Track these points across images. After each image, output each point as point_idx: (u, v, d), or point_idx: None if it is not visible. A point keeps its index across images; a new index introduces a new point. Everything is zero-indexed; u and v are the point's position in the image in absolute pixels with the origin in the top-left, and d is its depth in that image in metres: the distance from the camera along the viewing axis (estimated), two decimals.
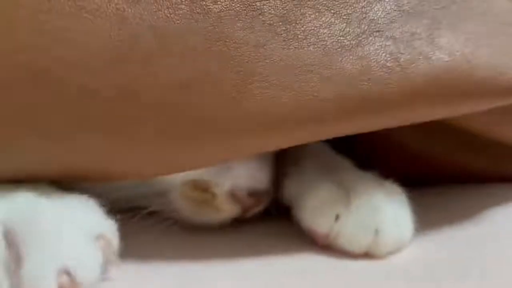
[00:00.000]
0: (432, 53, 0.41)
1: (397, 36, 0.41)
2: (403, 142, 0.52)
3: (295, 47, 0.39)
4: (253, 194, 0.45)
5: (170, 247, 0.45)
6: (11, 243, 0.34)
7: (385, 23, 0.41)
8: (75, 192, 0.39)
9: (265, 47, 0.38)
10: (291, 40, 0.39)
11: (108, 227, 0.38)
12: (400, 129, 0.43)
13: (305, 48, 0.39)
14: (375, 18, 0.41)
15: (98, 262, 0.36)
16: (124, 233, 0.39)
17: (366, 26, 0.41)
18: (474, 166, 0.56)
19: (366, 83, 0.40)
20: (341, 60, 0.40)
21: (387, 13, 0.42)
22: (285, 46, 0.39)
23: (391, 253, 0.44)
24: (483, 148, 0.54)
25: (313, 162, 0.49)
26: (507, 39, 0.45)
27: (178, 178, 0.45)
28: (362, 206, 0.44)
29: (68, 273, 0.33)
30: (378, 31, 0.41)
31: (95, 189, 0.40)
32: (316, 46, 0.39)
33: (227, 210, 0.46)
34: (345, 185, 0.45)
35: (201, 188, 0.45)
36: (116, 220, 0.39)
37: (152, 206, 0.46)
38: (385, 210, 0.44)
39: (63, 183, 0.40)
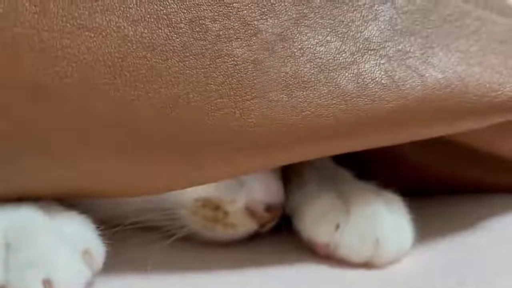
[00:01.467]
0: (425, 71, 0.42)
1: (391, 55, 0.42)
2: (402, 154, 0.53)
3: (292, 64, 0.39)
4: (269, 208, 0.46)
5: (174, 260, 0.45)
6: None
7: (379, 42, 0.42)
8: (72, 208, 0.40)
9: (262, 64, 0.39)
10: (288, 58, 0.40)
11: (95, 242, 0.39)
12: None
13: (302, 65, 0.40)
14: (370, 36, 0.42)
15: (83, 275, 0.37)
16: (128, 246, 0.41)
17: (361, 45, 0.42)
18: (470, 177, 0.57)
19: (362, 100, 0.40)
20: (337, 77, 0.40)
21: (381, 32, 0.42)
22: (282, 64, 0.39)
23: (391, 262, 0.44)
24: (478, 160, 0.54)
25: (313, 173, 0.49)
26: (498, 57, 0.46)
27: (189, 194, 0.45)
28: (362, 216, 0.44)
29: (50, 284, 0.34)
30: (373, 49, 0.42)
31: (100, 203, 0.42)
32: (312, 63, 0.40)
33: (244, 226, 0.46)
34: (345, 196, 0.46)
35: (213, 206, 0.45)
36: (112, 234, 0.40)
37: (160, 221, 0.46)
38: (384, 219, 0.44)
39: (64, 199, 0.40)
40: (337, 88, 0.40)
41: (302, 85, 0.39)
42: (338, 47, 0.41)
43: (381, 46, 0.42)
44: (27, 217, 0.37)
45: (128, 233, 0.45)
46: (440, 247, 0.47)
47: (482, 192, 0.57)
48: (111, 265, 0.40)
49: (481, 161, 0.55)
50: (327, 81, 0.40)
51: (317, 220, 0.45)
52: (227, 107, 0.38)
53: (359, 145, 0.42)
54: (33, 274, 0.34)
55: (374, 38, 0.42)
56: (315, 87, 0.40)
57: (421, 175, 0.54)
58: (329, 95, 0.40)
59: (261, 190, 0.45)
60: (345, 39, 0.41)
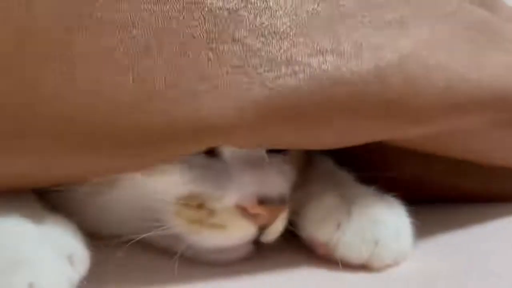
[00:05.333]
0: (400, 40, 0.42)
1: (366, 22, 0.42)
2: (401, 167, 0.52)
3: (268, 16, 0.40)
4: (263, 201, 0.41)
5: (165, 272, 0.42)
6: None
7: (355, 10, 0.42)
8: (56, 214, 0.39)
9: (238, 12, 0.39)
10: (264, 9, 0.40)
11: (80, 248, 0.38)
12: (397, 154, 0.45)
13: (278, 19, 0.40)
14: (346, 4, 0.42)
15: (67, 281, 0.36)
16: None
17: (337, 11, 0.42)
18: (467, 187, 0.56)
19: (338, 57, 0.40)
20: (313, 34, 0.40)
21: (358, 2, 0.43)
22: (258, 14, 0.39)
23: (390, 265, 0.43)
24: (472, 171, 0.54)
25: (316, 175, 0.49)
26: (468, 44, 0.46)
27: (170, 193, 0.42)
28: (363, 217, 0.43)
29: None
30: (349, 15, 0.42)
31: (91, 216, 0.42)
32: (289, 18, 0.40)
33: (237, 228, 0.41)
34: (346, 197, 0.45)
35: (195, 204, 0.42)
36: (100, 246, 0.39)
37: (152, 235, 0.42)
38: (385, 221, 0.44)
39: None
40: (313, 41, 0.40)
41: (277, 34, 0.39)
42: (315, 9, 0.41)
43: (357, 14, 0.43)
44: (10, 221, 0.37)
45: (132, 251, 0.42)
46: (441, 252, 0.47)
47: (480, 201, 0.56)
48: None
49: (474, 173, 0.54)
50: (302, 33, 0.40)
51: (319, 220, 0.44)
52: (201, 48, 0.37)
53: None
54: (17, 279, 0.33)
55: (350, 5, 0.43)
56: (292, 39, 0.39)
57: (419, 187, 0.53)
58: (305, 45, 0.39)
59: (253, 180, 0.41)
60: (322, 3, 0.42)
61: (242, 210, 0.41)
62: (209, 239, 0.42)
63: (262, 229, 0.42)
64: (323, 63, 0.39)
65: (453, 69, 0.43)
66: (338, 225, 0.43)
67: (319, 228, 0.44)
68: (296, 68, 0.39)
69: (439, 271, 0.43)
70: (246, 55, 0.38)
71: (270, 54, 0.39)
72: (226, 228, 0.41)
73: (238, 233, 0.42)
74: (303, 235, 0.45)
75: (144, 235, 0.42)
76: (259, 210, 0.41)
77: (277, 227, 0.43)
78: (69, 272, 0.36)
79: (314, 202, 0.45)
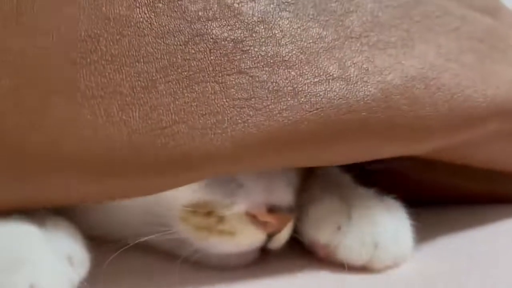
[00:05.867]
0: (405, 60, 0.42)
1: (372, 43, 0.42)
2: (403, 170, 0.52)
3: (273, 44, 0.39)
4: (273, 210, 0.41)
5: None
6: None
7: (360, 31, 0.42)
8: (57, 216, 0.39)
9: (243, 43, 0.39)
10: (269, 38, 0.39)
11: (79, 249, 0.38)
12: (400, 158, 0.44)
13: (283, 46, 0.39)
14: (351, 26, 0.42)
15: (67, 282, 0.36)
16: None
17: (342, 33, 0.42)
18: (469, 189, 0.56)
19: (343, 82, 0.40)
20: (318, 59, 0.40)
21: (363, 23, 0.43)
22: (263, 43, 0.39)
23: (390, 266, 0.43)
24: (476, 172, 0.53)
25: (317, 177, 0.48)
26: (474, 55, 0.46)
27: (177, 201, 0.42)
28: (363, 219, 0.44)
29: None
30: (354, 37, 0.42)
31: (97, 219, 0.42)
32: (294, 45, 0.40)
33: (246, 235, 0.41)
34: (347, 199, 0.45)
35: (204, 212, 0.42)
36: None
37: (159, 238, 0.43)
38: (385, 223, 0.44)
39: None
40: (319, 69, 0.40)
41: (283, 63, 0.39)
42: (320, 33, 0.41)
43: (362, 35, 0.42)
44: (12, 223, 0.36)
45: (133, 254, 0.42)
46: (441, 254, 0.47)
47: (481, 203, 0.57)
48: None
49: (476, 176, 0.54)
50: (308, 61, 0.40)
51: (319, 222, 0.44)
52: (206, 81, 0.37)
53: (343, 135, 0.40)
54: (18, 279, 0.33)
55: (355, 27, 0.42)
56: (297, 66, 0.39)
57: (421, 188, 0.53)
58: (311, 74, 0.39)
59: (262, 189, 0.41)
60: (327, 26, 0.41)
61: (252, 218, 0.41)
62: (218, 245, 0.42)
63: (270, 236, 0.42)
64: (329, 91, 0.39)
65: (459, 88, 0.43)
66: (339, 228, 0.43)
67: (319, 231, 0.44)
68: (302, 99, 0.39)
69: (439, 272, 0.43)
70: (252, 87, 0.38)
71: (276, 85, 0.38)
72: (235, 235, 0.41)
73: (247, 240, 0.42)
74: (304, 238, 0.45)
75: (148, 237, 0.42)
76: (268, 218, 0.41)
77: (284, 235, 0.43)
78: (70, 274, 0.36)
79: (315, 205, 0.45)
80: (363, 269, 0.43)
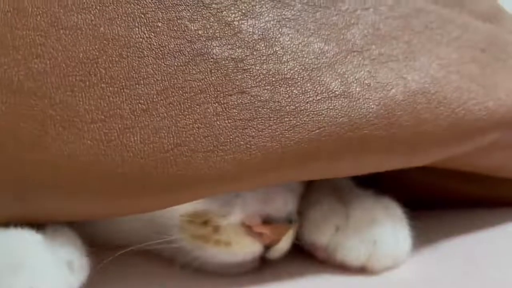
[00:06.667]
0: (407, 74, 0.42)
1: (374, 57, 0.42)
2: (402, 171, 0.51)
3: (274, 62, 0.39)
4: (268, 221, 0.41)
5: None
6: None
7: (362, 45, 0.42)
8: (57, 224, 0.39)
9: (244, 62, 0.38)
10: (270, 56, 0.39)
11: (79, 255, 0.38)
12: None
13: (284, 64, 0.39)
14: (353, 39, 0.42)
15: (67, 286, 0.36)
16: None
17: (344, 46, 0.41)
18: (469, 192, 0.56)
19: (346, 99, 0.39)
20: (321, 75, 0.39)
21: (364, 36, 0.42)
22: (264, 61, 0.38)
23: (389, 268, 0.43)
24: (475, 177, 0.53)
25: (315, 180, 0.47)
26: (477, 66, 0.46)
27: (175, 210, 0.42)
28: (361, 220, 0.44)
29: None
30: (356, 51, 0.42)
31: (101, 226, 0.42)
32: (295, 62, 0.39)
33: (242, 246, 0.41)
34: (344, 201, 0.45)
35: (200, 221, 0.42)
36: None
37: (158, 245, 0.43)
38: (382, 223, 0.44)
39: None
40: (321, 86, 0.39)
41: (285, 81, 0.38)
42: (321, 48, 0.41)
43: (364, 48, 0.42)
44: (12, 228, 0.37)
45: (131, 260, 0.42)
46: (440, 256, 0.47)
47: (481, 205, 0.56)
48: None
49: (476, 179, 0.54)
50: (310, 78, 0.39)
51: (318, 223, 0.45)
52: (208, 102, 0.37)
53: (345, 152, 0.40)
54: (17, 283, 0.33)
55: (357, 41, 0.42)
56: (299, 83, 0.39)
57: (421, 191, 0.53)
58: (313, 91, 0.38)
59: (259, 199, 0.41)
60: (328, 40, 0.41)
61: (247, 228, 0.41)
62: (214, 255, 0.42)
63: (267, 247, 0.42)
64: (332, 109, 0.39)
65: (460, 101, 0.43)
66: (337, 229, 0.44)
67: (318, 232, 0.44)
68: (305, 118, 0.38)
69: (438, 275, 0.44)
70: (254, 107, 0.38)
71: (278, 104, 0.38)
72: (230, 245, 0.41)
73: (242, 250, 0.42)
74: (303, 240, 0.45)
75: (148, 243, 0.42)
76: (263, 229, 0.41)
77: (283, 245, 0.43)
78: (69, 278, 0.36)
79: (313, 207, 0.45)
80: (362, 271, 0.43)
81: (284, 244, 0.43)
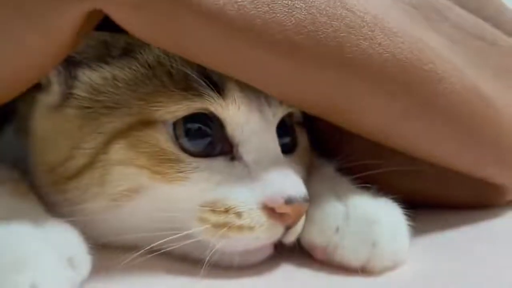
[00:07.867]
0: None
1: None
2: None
3: None
4: (290, 201, 0.41)
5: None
6: None
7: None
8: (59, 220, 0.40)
9: None
10: None
11: (81, 251, 0.38)
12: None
13: None
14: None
15: (68, 283, 0.36)
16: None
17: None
18: (459, 198, 0.56)
19: None
20: None
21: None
22: None
23: (388, 267, 0.43)
24: (465, 181, 0.54)
25: (315, 179, 0.48)
26: None
27: (193, 201, 0.41)
28: (361, 220, 0.43)
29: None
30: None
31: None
32: None
33: (265, 229, 0.41)
34: (344, 201, 0.45)
35: (222, 209, 0.41)
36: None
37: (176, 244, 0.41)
38: (382, 223, 0.44)
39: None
40: None
41: None
42: None
43: None
44: (13, 224, 0.37)
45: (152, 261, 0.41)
46: (439, 255, 0.47)
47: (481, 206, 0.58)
48: None
49: (468, 183, 0.54)
50: None
51: (317, 224, 0.44)
52: None
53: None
54: (19, 279, 0.34)
55: None
56: None
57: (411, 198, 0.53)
58: None
59: (279, 181, 0.41)
60: None
61: (269, 211, 0.41)
62: (237, 242, 0.41)
63: (287, 229, 0.42)
64: None
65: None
66: (337, 229, 0.43)
67: (317, 232, 0.44)
68: None
69: (437, 273, 0.44)
70: None
71: None
72: (254, 229, 0.41)
73: (266, 233, 0.42)
74: (302, 240, 0.44)
75: (163, 241, 0.41)
76: (286, 209, 0.41)
77: (298, 228, 0.43)
78: (70, 274, 0.37)
79: (313, 206, 0.44)
80: (362, 271, 0.43)
81: (299, 226, 0.43)
